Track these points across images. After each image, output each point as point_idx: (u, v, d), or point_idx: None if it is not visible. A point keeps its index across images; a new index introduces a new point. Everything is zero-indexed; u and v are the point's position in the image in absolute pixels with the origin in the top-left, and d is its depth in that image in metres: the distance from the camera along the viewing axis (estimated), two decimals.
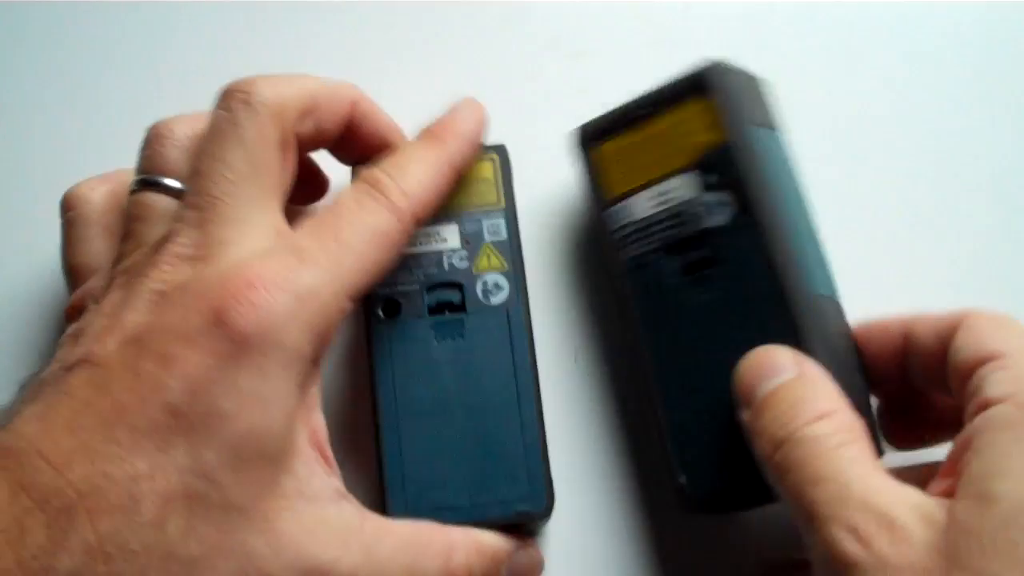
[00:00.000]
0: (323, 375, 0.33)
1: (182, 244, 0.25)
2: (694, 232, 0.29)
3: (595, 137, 0.32)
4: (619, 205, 0.31)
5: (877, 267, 0.34)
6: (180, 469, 0.22)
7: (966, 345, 0.25)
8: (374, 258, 0.27)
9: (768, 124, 0.31)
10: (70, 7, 0.39)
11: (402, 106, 0.36)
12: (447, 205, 0.32)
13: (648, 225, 0.30)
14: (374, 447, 0.30)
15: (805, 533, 0.24)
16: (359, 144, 0.31)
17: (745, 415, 0.27)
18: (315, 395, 0.27)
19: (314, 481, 0.25)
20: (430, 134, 0.30)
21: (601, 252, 0.34)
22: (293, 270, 0.24)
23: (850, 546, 0.22)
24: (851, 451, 0.24)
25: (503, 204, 0.32)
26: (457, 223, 0.32)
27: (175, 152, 0.28)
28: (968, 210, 0.35)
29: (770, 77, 0.36)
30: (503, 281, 0.31)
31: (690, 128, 0.30)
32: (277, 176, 0.27)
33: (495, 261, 0.31)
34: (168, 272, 0.25)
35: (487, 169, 0.32)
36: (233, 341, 0.23)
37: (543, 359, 0.31)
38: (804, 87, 0.36)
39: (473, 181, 0.32)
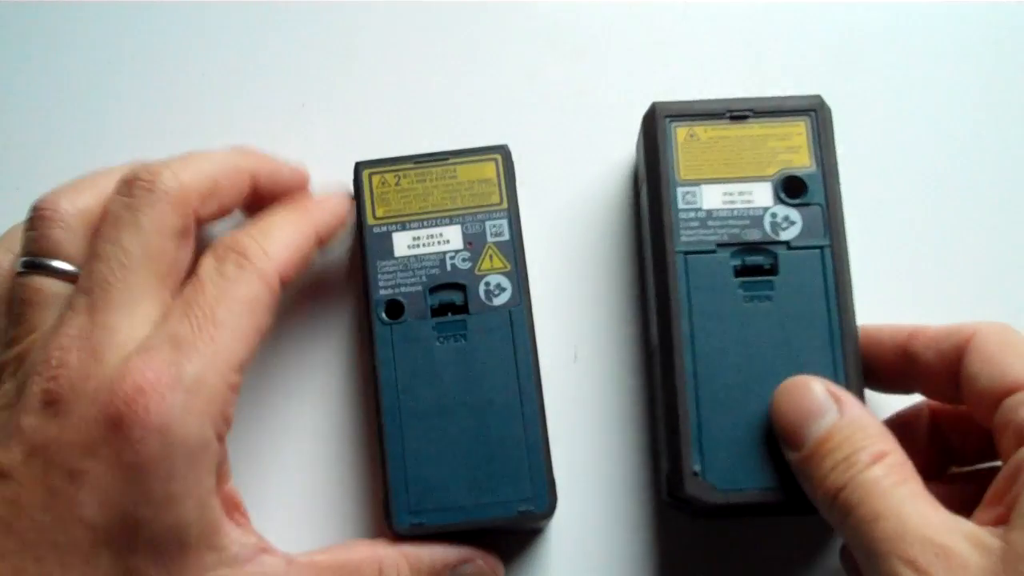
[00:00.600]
0: (329, 377, 0.34)
1: (69, 335, 0.26)
2: (759, 239, 0.30)
3: (679, 116, 0.32)
4: (689, 188, 0.31)
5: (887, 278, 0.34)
6: None
7: (984, 374, 0.26)
8: (250, 327, 0.27)
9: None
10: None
11: (403, 106, 0.36)
12: (450, 206, 0.32)
13: (714, 217, 0.31)
14: (377, 449, 0.30)
15: (866, 568, 0.25)
16: (267, 203, 0.31)
17: (793, 457, 0.27)
18: (226, 465, 0.28)
19: (233, 547, 0.26)
20: (295, 203, 0.31)
21: (641, 228, 0.34)
22: (176, 364, 0.25)
23: None
24: (906, 488, 0.25)
25: (506, 205, 0.32)
26: (460, 224, 0.32)
27: (61, 232, 0.28)
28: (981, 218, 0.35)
29: (766, 77, 0.36)
30: (506, 282, 0.31)
31: (782, 144, 0.31)
32: (172, 262, 0.27)
33: (498, 262, 0.31)
34: (57, 367, 0.25)
35: (489, 170, 0.32)
36: (135, 450, 0.24)
37: (543, 358, 0.32)
38: (801, 87, 0.36)
39: (476, 182, 0.32)
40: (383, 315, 0.31)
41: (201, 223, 0.29)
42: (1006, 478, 0.25)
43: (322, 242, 0.30)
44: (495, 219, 0.32)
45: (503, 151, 0.33)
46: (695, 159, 0.31)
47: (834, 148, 0.31)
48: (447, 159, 0.32)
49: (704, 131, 0.32)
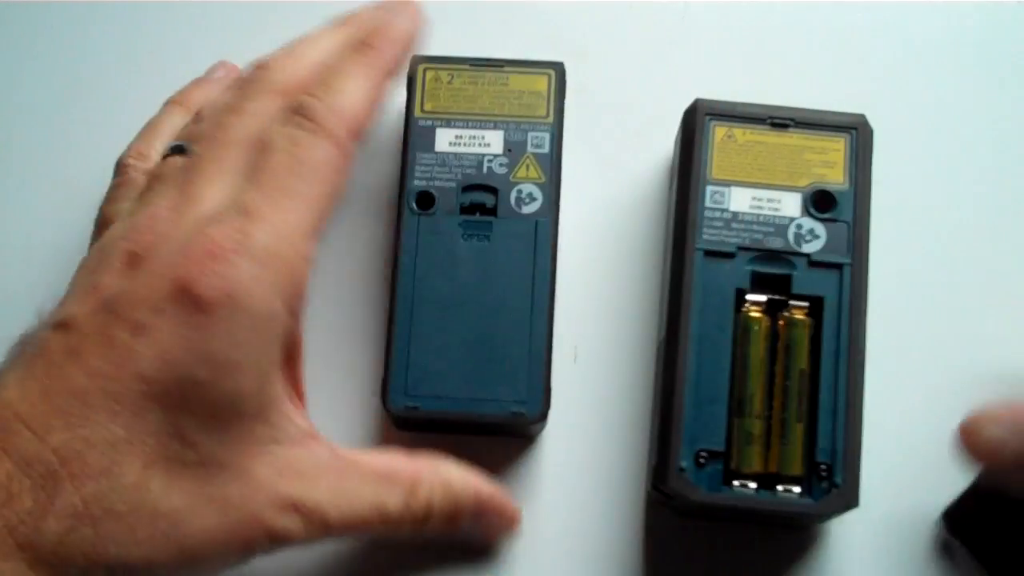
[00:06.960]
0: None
1: (158, 203, 0.26)
2: (780, 248, 0.30)
3: (720, 116, 0.32)
4: (719, 188, 0.31)
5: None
6: (157, 433, 0.23)
7: None
8: (322, 194, 0.26)
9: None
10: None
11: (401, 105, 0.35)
12: (496, 111, 0.32)
13: (739, 220, 0.31)
14: (385, 331, 0.31)
15: None
16: None
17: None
18: (299, 348, 0.28)
19: (288, 427, 0.26)
20: (360, 43, 0.28)
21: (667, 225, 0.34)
22: (245, 232, 0.24)
23: None
24: None
25: (551, 119, 0.32)
26: (503, 130, 0.32)
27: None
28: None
29: (765, 77, 0.36)
30: (537, 192, 0.32)
31: (818, 158, 0.31)
32: None
33: (533, 172, 0.32)
34: (140, 231, 0.25)
35: (541, 83, 0.33)
36: (200, 311, 0.23)
37: None
38: (799, 88, 0.36)
39: (526, 92, 0.32)
40: (414, 204, 0.32)
41: None
42: None
43: (393, 74, 0.29)
44: (538, 131, 0.32)
45: (558, 68, 0.33)
46: (729, 160, 0.31)
47: (870, 169, 0.31)
48: (502, 66, 0.33)
49: (743, 133, 0.31)
